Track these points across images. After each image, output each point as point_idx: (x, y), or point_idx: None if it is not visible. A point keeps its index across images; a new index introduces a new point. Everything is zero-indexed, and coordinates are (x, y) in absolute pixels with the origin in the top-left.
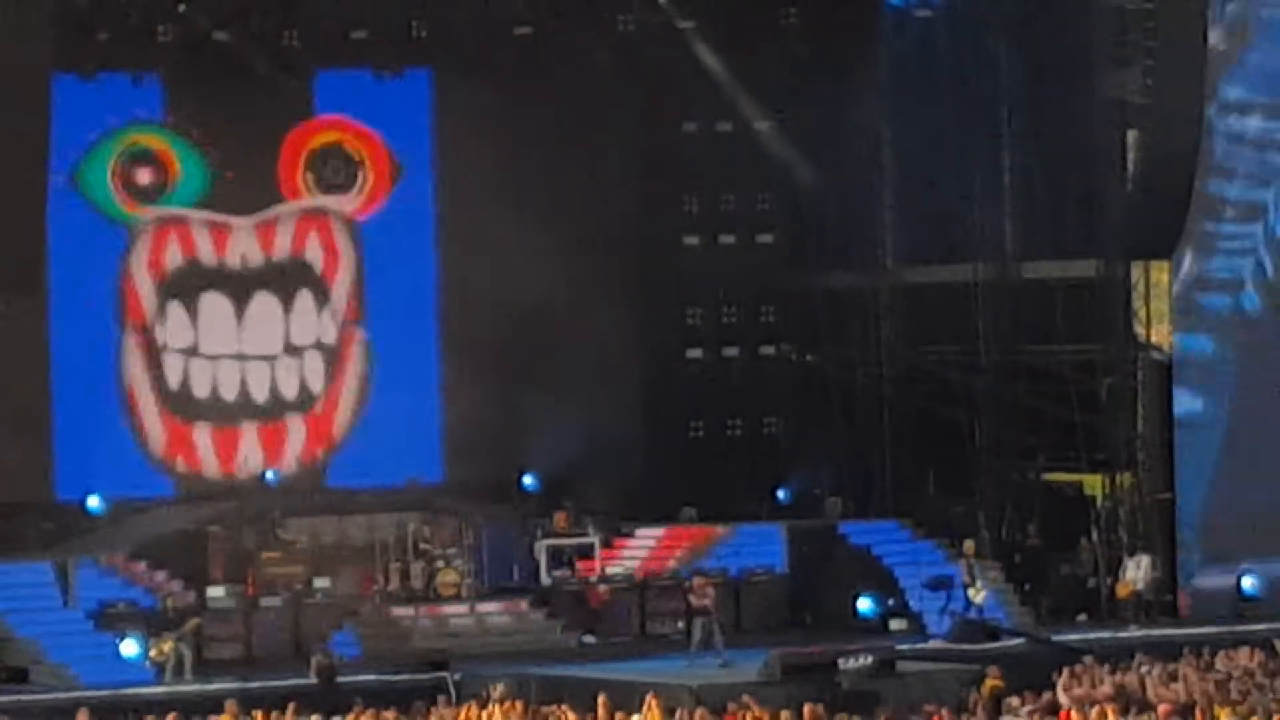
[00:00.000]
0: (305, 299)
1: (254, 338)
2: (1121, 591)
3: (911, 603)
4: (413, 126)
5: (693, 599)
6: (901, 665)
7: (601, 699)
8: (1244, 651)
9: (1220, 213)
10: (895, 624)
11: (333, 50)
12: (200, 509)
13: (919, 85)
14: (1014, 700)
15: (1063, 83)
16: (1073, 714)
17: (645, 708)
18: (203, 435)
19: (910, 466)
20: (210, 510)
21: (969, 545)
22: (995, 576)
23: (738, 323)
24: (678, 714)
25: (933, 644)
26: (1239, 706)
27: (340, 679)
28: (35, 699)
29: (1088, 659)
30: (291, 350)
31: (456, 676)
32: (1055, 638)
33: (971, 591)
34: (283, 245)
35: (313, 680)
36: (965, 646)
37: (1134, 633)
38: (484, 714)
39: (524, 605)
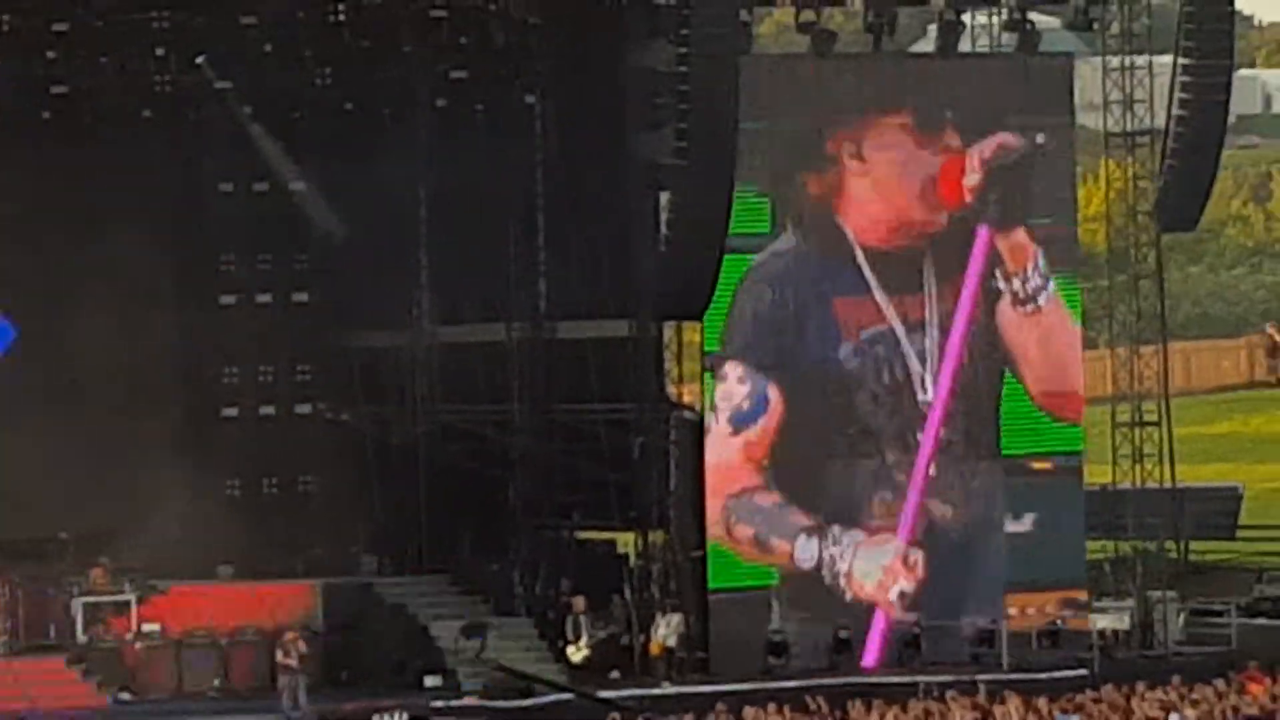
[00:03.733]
0: None
1: None
2: (654, 649)
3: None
4: None
5: (280, 654)
6: None
7: None
8: (771, 707)
9: None
10: (430, 680)
11: None
12: None
13: (455, 143)
14: None
15: (596, 143)
16: None
17: None
18: None
19: (446, 524)
20: None
21: (579, 601)
22: (528, 634)
23: (274, 381)
24: None
25: (467, 700)
26: None
27: None
28: None
29: (616, 715)
30: None
31: None
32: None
33: (571, 650)
34: None
35: None
36: (499, 703)
37: (667, 689)
38: None
39: (59, 662)
